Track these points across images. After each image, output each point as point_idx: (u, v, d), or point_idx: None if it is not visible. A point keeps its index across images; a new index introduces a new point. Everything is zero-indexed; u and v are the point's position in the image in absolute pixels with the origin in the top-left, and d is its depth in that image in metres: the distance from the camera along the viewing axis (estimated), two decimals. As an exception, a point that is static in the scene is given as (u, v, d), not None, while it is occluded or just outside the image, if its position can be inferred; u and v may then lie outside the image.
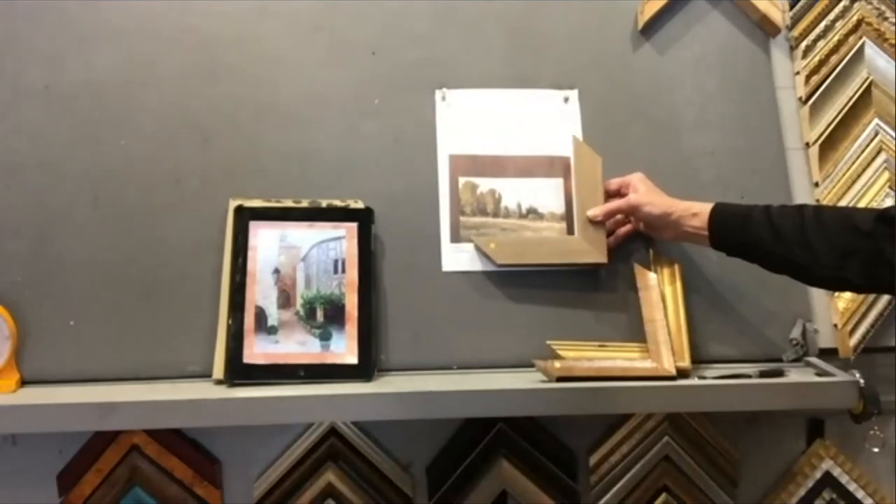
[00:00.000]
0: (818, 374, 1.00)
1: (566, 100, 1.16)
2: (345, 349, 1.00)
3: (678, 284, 1.06)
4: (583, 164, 1.08)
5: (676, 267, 1.07)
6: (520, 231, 1.10)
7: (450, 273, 1.08)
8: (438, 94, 1.14)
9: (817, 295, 1.11)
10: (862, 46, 1.20)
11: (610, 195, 1.07)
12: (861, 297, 1.09)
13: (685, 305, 1.06)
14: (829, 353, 1.08)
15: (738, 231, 0.92)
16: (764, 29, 1.20)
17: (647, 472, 1.10)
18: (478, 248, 1.07)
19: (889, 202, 1.14)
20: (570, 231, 1.10)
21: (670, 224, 0.98)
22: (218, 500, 1.06)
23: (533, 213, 1.11)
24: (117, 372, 1.01)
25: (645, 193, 1.02)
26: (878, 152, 1.16)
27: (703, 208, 0.96)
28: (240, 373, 0.98)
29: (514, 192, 1.12)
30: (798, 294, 1.09)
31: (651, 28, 1.19)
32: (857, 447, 1.13)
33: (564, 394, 0.94)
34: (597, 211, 1.05)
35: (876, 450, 1.13)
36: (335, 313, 1.02)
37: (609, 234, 1.07)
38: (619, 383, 0.95)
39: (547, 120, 1.15)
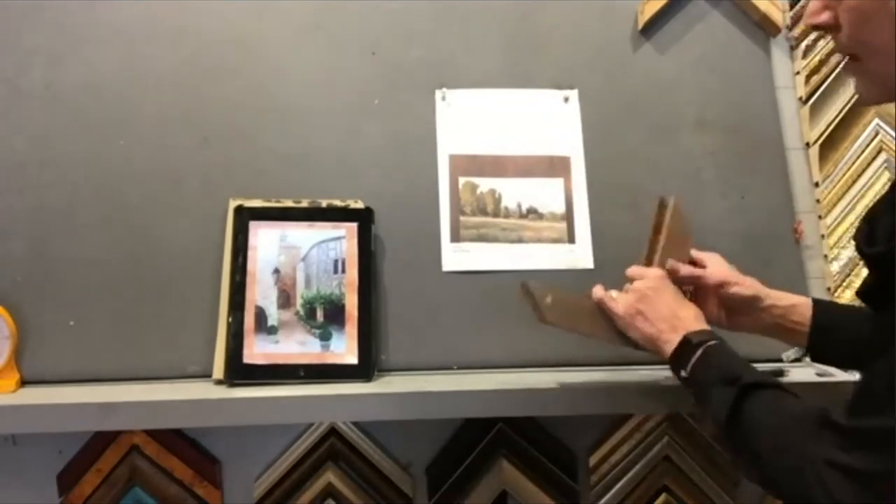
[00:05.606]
0: (818, 374, 1.00)
1: (566, 100, 1.16)
2: (345, 349, 1.00)
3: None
4: (677, 227, 0.92)
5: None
6: (520, 231, 1.10)
7: (450, 273, 1.08)
8: (438, 93, 1.14)
9: (818, 294, 1.11)
10: (862, 46, 1.20)
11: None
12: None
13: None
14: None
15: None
16: (764, 29, 1.20)
17: (647, 472, 1.10)
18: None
19: (889, 202, 1.14)
20: (571, 232, 1.10)
21: (758, 310, 0.88)
22: (218, 500, 1.06)
23: (533, 213, 1.11)
24: (117, 372, 1.01)
25: (731, 273, 0.89)
26: (879, 152, 1.16)
27: (803, 300, 0.88)
28: (240, 373, 0.98)
29: (514, 192, 1.12)
30: (798, 294, 1.09)
31: (651, 28, 1.18)
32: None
33: (564, 394, 0.94)
34: (679, 269, 0.88)
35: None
36: (335, 313, 1.02)
37: None
38: (619, 382, 0.95)
39: (547, 120, 1.15)
